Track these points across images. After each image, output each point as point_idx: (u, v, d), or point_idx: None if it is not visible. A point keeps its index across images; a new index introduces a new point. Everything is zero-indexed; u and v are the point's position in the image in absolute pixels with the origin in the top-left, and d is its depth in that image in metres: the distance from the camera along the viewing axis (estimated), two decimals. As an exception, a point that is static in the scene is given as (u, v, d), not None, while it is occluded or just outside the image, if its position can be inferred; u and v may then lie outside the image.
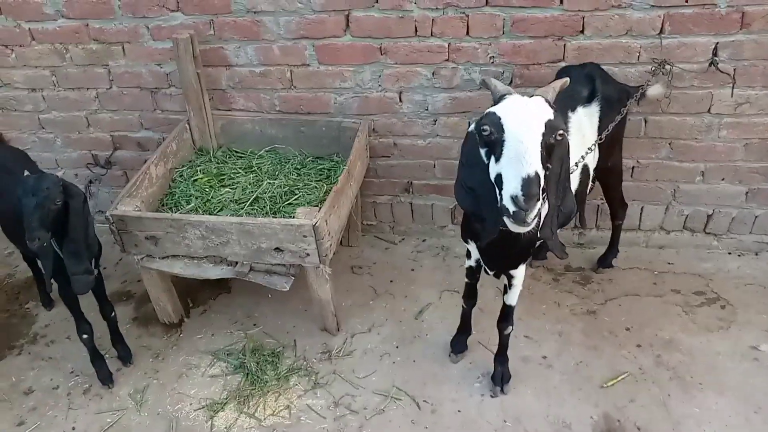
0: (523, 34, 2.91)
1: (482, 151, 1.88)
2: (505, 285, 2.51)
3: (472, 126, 1.91)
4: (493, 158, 1.82)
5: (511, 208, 1.71)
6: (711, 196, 3.26)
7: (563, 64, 2.90)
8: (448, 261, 3.45)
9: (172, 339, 3.08)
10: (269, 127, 3.30)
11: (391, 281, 3.36)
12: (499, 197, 1.78)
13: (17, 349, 3.08)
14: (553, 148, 1.82)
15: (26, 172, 2.40)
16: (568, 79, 2.02)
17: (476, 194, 1.95)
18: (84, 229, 2.41)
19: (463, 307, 2.79)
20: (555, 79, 2.65)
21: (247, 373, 2.84)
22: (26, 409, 2.76)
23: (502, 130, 1.78)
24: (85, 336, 2.72)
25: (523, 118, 1.77)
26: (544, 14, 2.83)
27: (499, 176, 1.78)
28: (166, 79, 3.32)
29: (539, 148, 1.74)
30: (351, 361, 2.91)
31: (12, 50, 3.32)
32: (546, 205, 1.93)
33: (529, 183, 1.67)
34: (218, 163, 3.25)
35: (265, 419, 2.66)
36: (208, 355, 2.98)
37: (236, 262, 2.75)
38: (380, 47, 3.04)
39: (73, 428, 2.68)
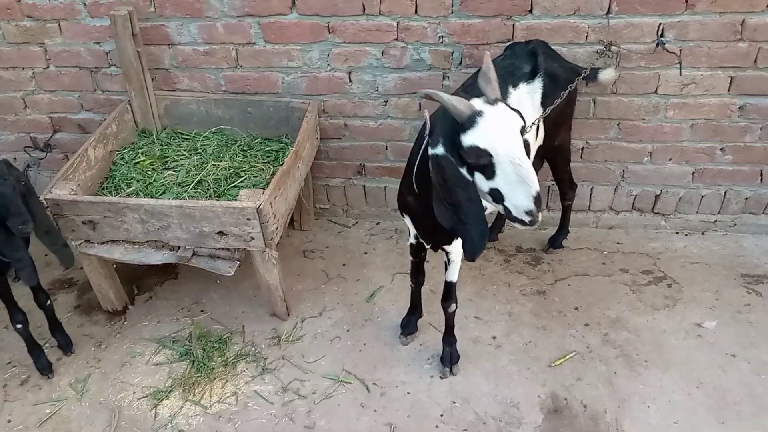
0: (472, 14, 2.87)
1: (463, 170, 1.88)
2: (445, 262, 2.51)
3: (439, 150, 1.89)
4: (481, 176, 1.86)
5: (526, 219, 1.83)
6: (658, 177, 3.30)
7: (512, 43, 2.88)
8: (402, 243, 3.42)
9: (116, 327, 2.99)
10: (215, 108, 3.20)
11: (344, 265, 3.31)
12: (502, 207, 1.87)
13: (-49, 340, 2.95)
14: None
15: None
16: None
17: (460, 210, 1.92)
18: None
19: (411, 285, 2.77)
20: (501, 54, 2.66)
21: (193, 360, 2.78)
22: (-41, 403, 2.66)
23: (490, 155, 1.81)
24: (19, 325, 2.61)
25: (512, 141, 1.80)
26: (492, -8, 2.80)
27: (496, 191, 1.85)
28: (105, 58, 3.18)
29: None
30: (300, 345, 2.86)
31: (-61, 27, 3.14)
32: None
33: (539, 199, 1.80)
34: (162, 145, 3.14)
35: (211, 406, 2.61)
36: (153, 342, 2.90)
37: (178, 247, 2.67)
38: (328, 25, 2.96)
39: (9, 421, 2.58)
